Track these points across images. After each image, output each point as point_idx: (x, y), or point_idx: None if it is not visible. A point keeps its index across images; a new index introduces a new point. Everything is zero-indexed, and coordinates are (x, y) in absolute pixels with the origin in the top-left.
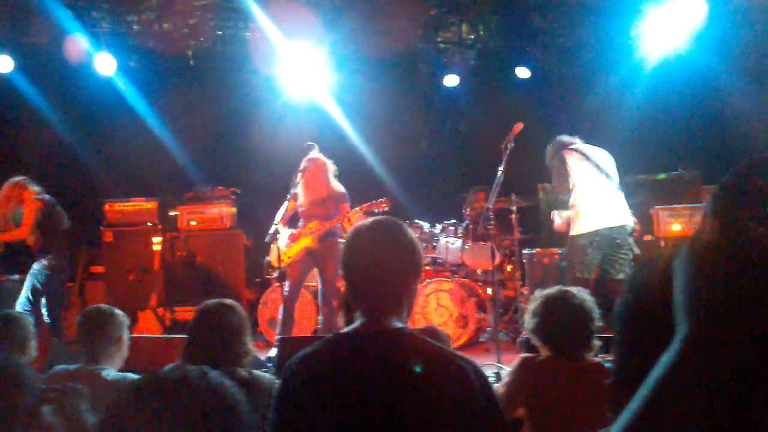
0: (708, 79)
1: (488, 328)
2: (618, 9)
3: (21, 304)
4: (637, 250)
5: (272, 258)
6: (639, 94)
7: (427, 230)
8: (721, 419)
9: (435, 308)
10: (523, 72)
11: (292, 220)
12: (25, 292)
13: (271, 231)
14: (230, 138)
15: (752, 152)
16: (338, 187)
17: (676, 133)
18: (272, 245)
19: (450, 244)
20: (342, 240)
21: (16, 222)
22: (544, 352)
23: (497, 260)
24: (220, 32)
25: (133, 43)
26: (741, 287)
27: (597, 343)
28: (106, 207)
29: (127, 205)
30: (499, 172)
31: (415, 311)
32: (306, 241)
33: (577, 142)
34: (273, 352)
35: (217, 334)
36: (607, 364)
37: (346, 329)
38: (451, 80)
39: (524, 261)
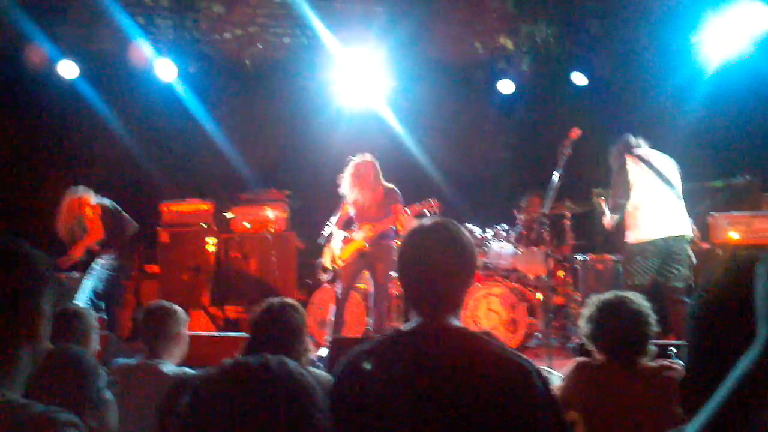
0: None
1: (537, 334)
2: (677, 15)
3: (80, 300)
4: (694, 260)
5: (325, 260)
6: (698, 101)
7: (479, 235)
8: None
9: (485, 312)
10: (579, 78)
11: (346, 223)
12: (84, 289)
13: (326, 233)
14: (285, 142)
15: None
16: (389, 186)
17: (735, 140)
18: (326, 247)
19: (502, 249)
20: (394, 242)
21: (82, 230)
22: (599, 357)
23: (550, 266)
24: (277, 39)
25: (193, 49)
26: None
27: (653, 348)
28: (163, 208)
29: (183, 206)
30: (556, 177)
31: (465, 315)
32: (358, 244)
33: (643, 147)
34: (323, 351)
35: (280, 331)
36: (666, 370)
37: (403, 327)
38: (506, 86)
39: (577, 267)
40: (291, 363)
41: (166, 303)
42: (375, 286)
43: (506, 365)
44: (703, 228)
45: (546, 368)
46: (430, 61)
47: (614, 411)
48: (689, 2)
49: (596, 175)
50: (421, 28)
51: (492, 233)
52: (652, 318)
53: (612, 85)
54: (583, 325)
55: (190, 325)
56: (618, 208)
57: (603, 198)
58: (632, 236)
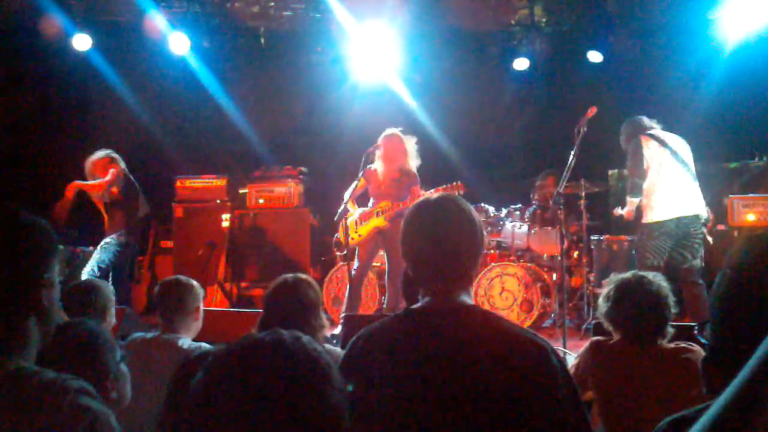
0: None
1: (552, 314)
2: None
3: (87, 274)
4: (710, 240)
5: (340, 236)
6: (715, 80)
7: (493, 214)
8: None
9: (499, 292)
10: (595, 56)
11: (361, 199)
12: (92, 263)
13: (341, 209)
14: (299, 117)
15: None
16: (412, 168)
17: (752, 121)
18: (341, 224)
19: (516, 228)
20: None
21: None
22: (616, 337)
23: (564, 245)
24: (290, 13)
25: (207, 23)
26: None
27: (670, 329)
28: (178, 183)
29: (197, 182)
30: (571, 157)
31: (479, 294)
32: (377, 221)
33: (656, 128)
34: (337, 329)
35: (294, 307)
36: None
37: (415, 305)
38: (521, 63)
39: (592, 247)
40: (306, 339)
41: (183, 278)
42: (390, 264)
43: (521, 343)
44: (720, 210)
45: (561, 349)
46: (445, 37)
47: (630, 392)
48: None
49: (612, 154)
50: (436, 3)
51: (506, 212)
52: (671, 299)
53: (628, 64)
54: (601, 304)
55: (206, 301)
56: (636, 189)
57: (619, 211)
58: (649, 216)
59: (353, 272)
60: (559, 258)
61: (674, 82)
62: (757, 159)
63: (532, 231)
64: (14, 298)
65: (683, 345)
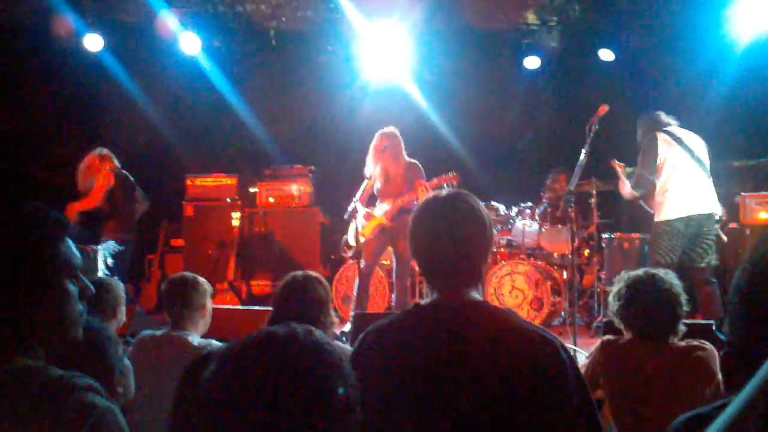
0: None
1: (562, 312)
2: None
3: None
4: (724, 238)
5: (349, 236)
6: (728, 78)
7: (503, 212)
8: None
9: (509, 290)
10: (606, 54)
11: (370, 199)
12: (99, 265)
13: (350, 209)
14: (309, 116)
15: None
16: (412, 161)
17: (765, 119)
18: (350, 223)
19: (527, 226)
20: None
21: (89, 191)
22: (627, 335)
23: (575, 244)
24: (301, 13)
25: (218, 23)
26: None
27: (682, 327)
28: (188, 182)
29: (208, 181)
30: (583, 155)
31: (489, 292)
32: (379, 220)
33: (673, 124)
34: (347, 327)
35: (304, 304)
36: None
37: (423, 302)
38: (532, 62)
39: (603, 246)
40: (318, 333)
41: (189, 274)
42: (397, 262)
43: (530, 338)
44: (733, 208)
45: (571, 346)
46: (456, 36)
47: (641, 390)
48: None
49: (624, 152)
50: (447, 2)
51: (516, 211)
52: (683, 297)
53: (640, 61)
54: (612, 302)
55: (216, 299)
56: (642, 183)
57: (622, 164)
58: (662, 214)
59: (361, 270)
60: (570, 256)
61: (686, 80)
62: None
63: (543, 229)
64: (20, 297)
65: (695, 343)
